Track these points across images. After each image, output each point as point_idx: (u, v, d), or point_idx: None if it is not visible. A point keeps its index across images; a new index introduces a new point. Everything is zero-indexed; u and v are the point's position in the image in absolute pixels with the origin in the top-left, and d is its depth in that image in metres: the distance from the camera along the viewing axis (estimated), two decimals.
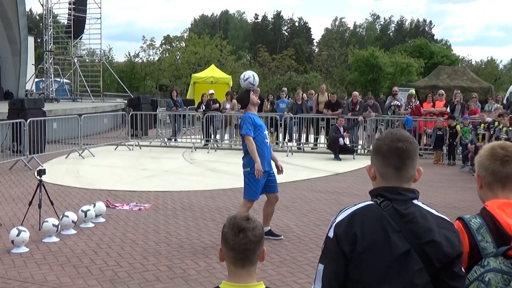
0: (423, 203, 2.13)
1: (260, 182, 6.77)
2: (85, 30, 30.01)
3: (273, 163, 7.03)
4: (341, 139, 14.95)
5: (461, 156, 13.88)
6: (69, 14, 28.60)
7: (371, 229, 2.05)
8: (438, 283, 2.04)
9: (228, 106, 17.94)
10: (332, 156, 14.88)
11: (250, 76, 6.93)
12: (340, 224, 2.09)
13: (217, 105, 18.06)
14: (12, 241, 6.37)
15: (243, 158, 6.87)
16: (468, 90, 23.28)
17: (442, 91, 16.94)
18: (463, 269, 2.07)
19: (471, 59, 67.27)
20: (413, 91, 18.60)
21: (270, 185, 6.93)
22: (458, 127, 14.10)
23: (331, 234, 2.10)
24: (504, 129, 11.63)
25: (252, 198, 6.82)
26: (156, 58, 53.93)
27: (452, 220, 2.15)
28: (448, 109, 15.93)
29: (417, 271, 2.00)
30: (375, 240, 2.03)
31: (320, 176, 12.09)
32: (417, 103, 16.52)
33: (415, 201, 2.12)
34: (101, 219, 7.82)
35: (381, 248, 2.03)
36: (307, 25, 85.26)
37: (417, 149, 2.16)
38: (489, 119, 12.88)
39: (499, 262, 2.07)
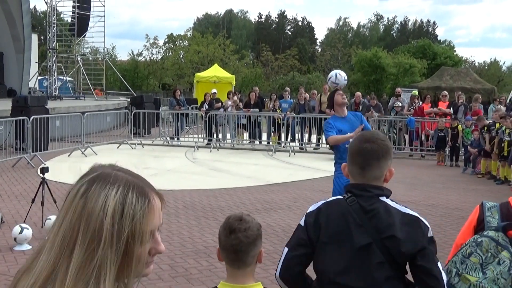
0: (392, 201, 2.22)
1: None
2: (88, 28, 30.07)
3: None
4: None
5: (463, 158, 13.86)
6: (73, 12, 28.68)
7: (335, 222, 2.20)
8: (413, 274, 2.17)
9: (230, 103, 17.89)
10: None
11: (332, 75, 6.46)
12: (310, 214, 2.28)
13: (220, 104, 18.07)
14: (15, 239, 6.40)
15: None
16: (471, 91, 23.22)
17: (446, 92, 16.95)
18: (435, 260, 2.13)
19: (474, 60, 67.28)
20: (416, 92, 18.61)
21: None
22: (460, 127, 14.09)
23: (302, 222, 2.30)
24: (507, 131, 11.62)
25: None
26: (159, 57, 54.00)
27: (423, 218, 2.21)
28: (451, 110, 15.95)
29: (377, 264, 2.11)
30: (337, 232, 2.18)
31: (322, 176, 12.08)
32: (420, 104, 16.53)
33: (383, 198, 2.21)
34: None
35: (342, 240, 2.17)
36: (310, 24, 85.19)
37: (386, 150, 2.24)
38: (490, 122, 12.87)
39: (498, 235, 2.17)
